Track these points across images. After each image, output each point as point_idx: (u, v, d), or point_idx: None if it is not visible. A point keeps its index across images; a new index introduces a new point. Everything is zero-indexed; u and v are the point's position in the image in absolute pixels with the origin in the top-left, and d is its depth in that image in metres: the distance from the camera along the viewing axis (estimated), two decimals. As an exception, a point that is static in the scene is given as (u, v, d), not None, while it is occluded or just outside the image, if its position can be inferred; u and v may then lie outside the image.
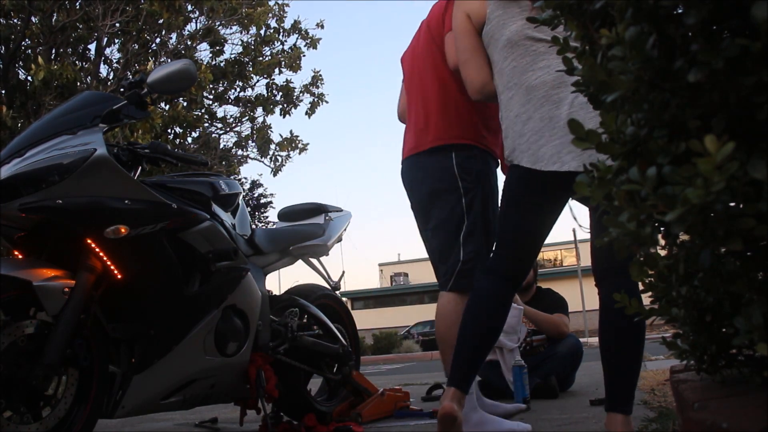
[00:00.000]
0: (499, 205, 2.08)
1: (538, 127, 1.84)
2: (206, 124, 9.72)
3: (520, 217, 1.96)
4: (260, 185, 18.32)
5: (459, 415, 1.82)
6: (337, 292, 3.29)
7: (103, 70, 8.81)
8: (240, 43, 9.92)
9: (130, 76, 6.30)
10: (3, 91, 7.37)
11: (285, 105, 10.16)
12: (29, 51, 7.94)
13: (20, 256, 2.06)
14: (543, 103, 1.84)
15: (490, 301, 1.95)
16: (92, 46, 8.49)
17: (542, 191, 1.91)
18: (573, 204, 2.01)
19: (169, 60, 8.16)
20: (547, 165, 1.81)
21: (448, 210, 2.39)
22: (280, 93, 10.15)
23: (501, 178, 2.38)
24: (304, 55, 10.07)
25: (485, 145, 2.45)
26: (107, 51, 8.76)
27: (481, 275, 2.04)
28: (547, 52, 1.88)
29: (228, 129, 10.25)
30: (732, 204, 0.64)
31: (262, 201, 18.33)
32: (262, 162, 10.33)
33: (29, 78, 6.90)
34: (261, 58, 9.93)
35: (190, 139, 9.11)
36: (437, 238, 2.44)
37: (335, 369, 3.04)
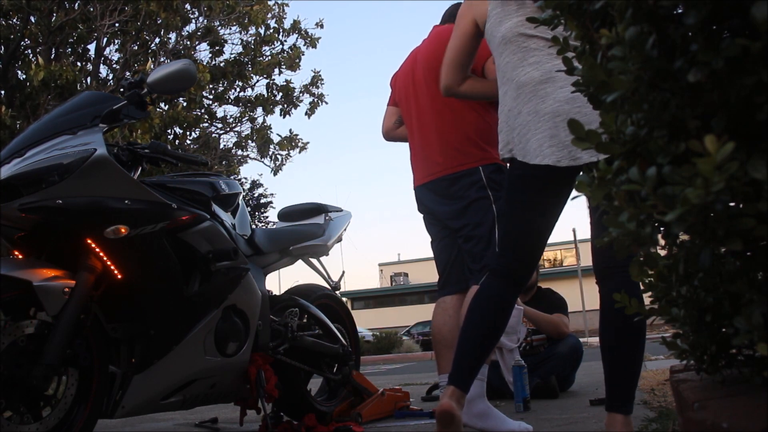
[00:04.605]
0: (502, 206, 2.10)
1: (526, 121, 1.87)
2: (206, 124, 9.72)
3: (521, 216, 1.96)
4: (260, 185, 18.35)
5: (457, 414, 1.81)
6: (337, 292, 3.29)
7: (103, 70, 8.82)
8: (240, 42, 9.93)
9: (130, 77, 6.29)
10: (2, 91, 7.37)
11: (285, 105, 10.17)
12: (28, 51, 7.94)
13: (20, 256, 2.06)
14: (531, 98, 1.87)
15: (493, 301, 1.95)
16: (92, 46, 8.50)
17: (539, 189, 1.91)
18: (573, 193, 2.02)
19: (168, 60, 8.16)
20: (532, 158, 1.85)
21: (481, 216, 2.50)
22: (280, 93, 10.15)
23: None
24: (303, 54, 10.08)
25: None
26: (106, 51, 8.77)
27: (485, 276, 2.04)
28: (537, 49, 1.89)
29: (228, 129, 10.25)
30: (732, 204, 0.64)
31: (262, 201, 18.35)
32: (262, 162, 10.35)
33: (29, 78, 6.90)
34: (261, 58, 9.94)
35: (190, 139, 9.11)
36: (471, 242, 2.54)
37: (335, 369, 3.04)
